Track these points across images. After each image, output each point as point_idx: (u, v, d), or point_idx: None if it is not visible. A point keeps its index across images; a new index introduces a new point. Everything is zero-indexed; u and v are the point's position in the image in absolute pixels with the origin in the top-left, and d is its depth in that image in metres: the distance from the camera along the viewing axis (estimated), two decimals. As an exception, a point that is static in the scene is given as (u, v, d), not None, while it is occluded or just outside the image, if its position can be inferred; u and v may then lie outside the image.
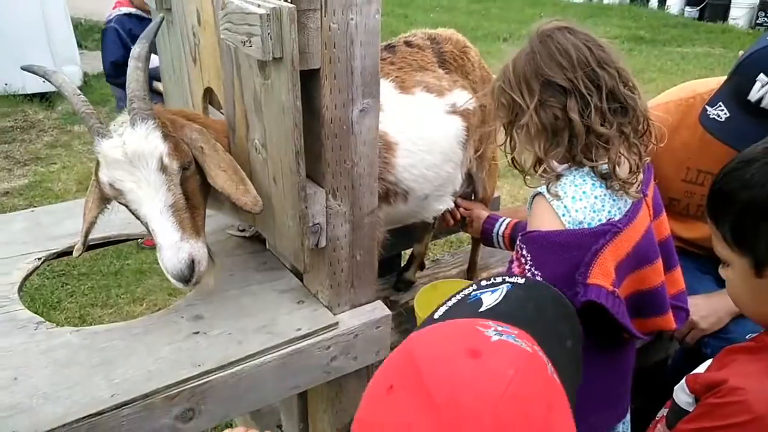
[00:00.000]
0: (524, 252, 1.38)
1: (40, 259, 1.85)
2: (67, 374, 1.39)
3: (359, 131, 1.50)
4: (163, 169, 1.44)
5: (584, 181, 1.42)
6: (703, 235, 2.00)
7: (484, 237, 2.18)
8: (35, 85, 6.42)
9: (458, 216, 2.26)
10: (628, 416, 1.63)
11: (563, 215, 1.40)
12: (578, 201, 1.40)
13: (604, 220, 1.41)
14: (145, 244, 3.96)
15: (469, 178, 2.28)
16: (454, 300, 0.94)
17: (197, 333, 1.54)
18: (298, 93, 1.34)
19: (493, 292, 0.91)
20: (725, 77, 1.77)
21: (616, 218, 1.41)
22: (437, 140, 2.01)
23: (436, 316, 0.91)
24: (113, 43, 3.83)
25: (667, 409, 1.37)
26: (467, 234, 2.41)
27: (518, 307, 0.89)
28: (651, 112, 1.49)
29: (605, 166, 1.41)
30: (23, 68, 1.59)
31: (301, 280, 1.76)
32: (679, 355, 2.22)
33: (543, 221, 1.43)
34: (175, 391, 1.37)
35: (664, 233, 1.62)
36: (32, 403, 1.31)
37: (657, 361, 2.26)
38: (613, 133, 1.39)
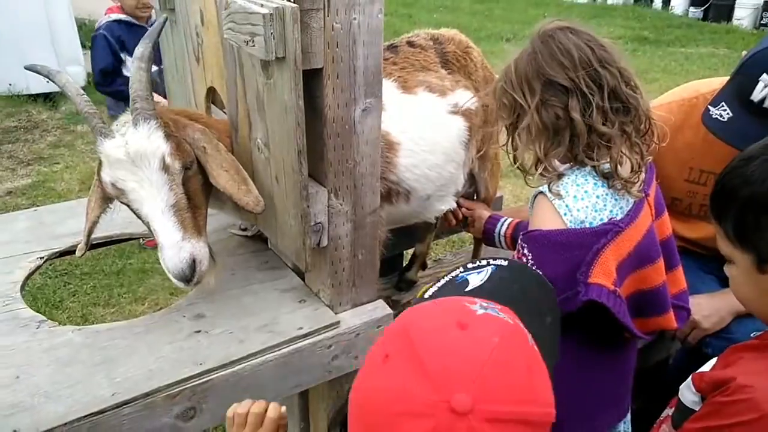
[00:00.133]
0: (525, 251, 1.38)
1: (43, 258, 1.86)
2: (68, 373, 1.40)
3: (361, 131, 1.50)
4: (165, 168, 1.45)
5: (586, 180, 1.42)
6: (706, 234, 2.00)
7: (486, 237, 2.18)
8: (39, 85, 6.42)
9: (460, 216, 2.26)
10: (629, 416, 1.63)
11: (565, 214, 1.39)
12: (580, 200, 1.40)
13: (605, 220, 1.40)
14: (147, 245, 3.96)
15: (472, 178, 2.28)
16: (442, 281, 1.02)
17: (199, 332, 1.54)
18: (300, 92, 1.34)
19: (478, 273, 1.00)
20: (728, 77, 1.76)
21: (618, 217, 1.41)
22: (439, 140, 2.01)
23: (426, 295, 0.99)
24: (102, 50, 3.77)
25: (672, 409, 1.37)
26: (469, 234, 2.41)
27: (502, 286, 0.97)
28: (653, 111, 1.49)
29: (607, 166, 1.41)
30: (27, 68, 1.59)
31: (303, 279, 1.76)
32: (681, 355, 2.21)
33: (544, 220, 1.43)
34: (177, 389, 1.37)
35: (665, 233, 1.62)
36: (34, 401, 1.31)
37: (658, 361, 2.25)
38: (614, 132, 1.39)
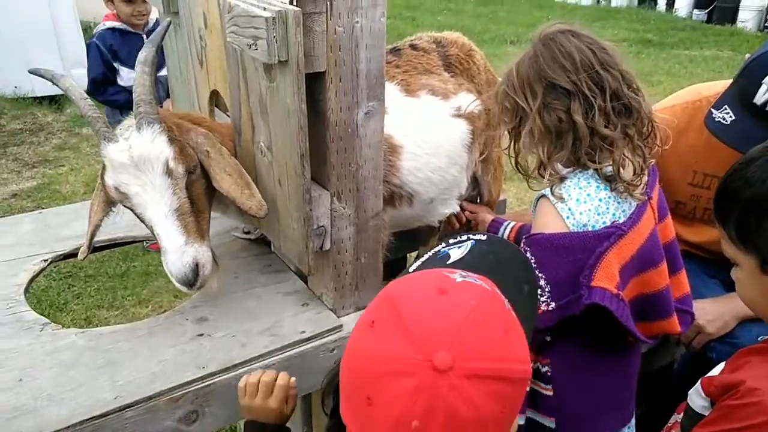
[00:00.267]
0: (528, 254, 1.38)
1: (47, 260, 1.86)
2: (71, 376, 1.40)
3: (364, 134, 1.50)
4: (169, 173, 1.45)
5: (588, 183, 1.42)
6: (710, 238, 1.99)
7: (489, 240, 2.17)
8: (44, 87, 6.43)
9: (463, 219, 2.26)
10: (633, 421, 1.62)
11: (567, 218, 1.39)
12: (582, 203, 1.40)
13: (608, 223, 1.40)
14: (151, 247, 3.96)
15: (475, 181, 2.28)
16: (425, 257, 1.08)
17: (201, 335, 1.54)
18: (303, 96, 1.34)
19: (459, 247, 1.06)
20: (732, 80, 1.76)
21: (621, 221, 1.41)
22: (442, 143, 2.01)
23: (410, 270, 1.04)
24: (94, 59, 3.73)
25: (680, 415, 1.36)
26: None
27: (480, 258, 1.03)
28: (656, 114, 1.48)
29: (609, 169, 1.40)
30: (31, 72, 1.59)
31: (306, 283, 1.76)
32: (685, 359, 2.20)
33: (547, 224, 1.42)
34: (179, 393, 1.37)
35: (669, 236, 1.61)
36: (37, 404, 1.32)
37: (663, 366, 2.24)
38: (617, 135, 1.39)
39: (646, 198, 1.47)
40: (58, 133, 6.16)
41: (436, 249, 1.10)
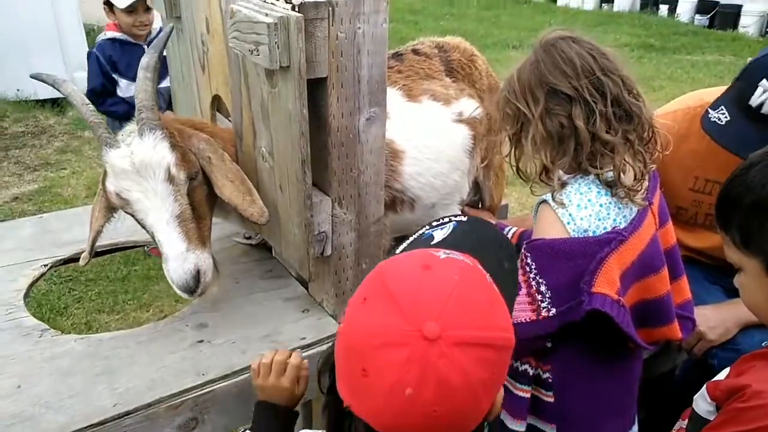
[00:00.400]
0: (529, 260, 1.38)
1: (47, 265, 1.86)
2: (70, 383, 1.39)
3: (366, 140, 1.50)
4: (170, 179, 1.45)
5: (589, 188, 1.41)
6: (712, 244, 1.98)
7: (491, 245, 2.16)
8: (47, 90, 6.40)
9: (465, 224, 2.25)
10: (636, 427, 1.62)
11: (568, 223, 1.39)
12: (583, 209, 1.40)
13: (609, 228, 1.40)
14: (151, 252, 3.95)
15: (476, 186, 2.28)
16: (411, 239, 1.16)
17: (201, 341, 1.54)
18: (304, 101, 1.34)
19: (442, 228, 1.12)
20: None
21: (622, 226, 1.40)
22: (444, 148, 2.01)
23: (397, 251, 1.11)
24: (93, 70, 3.69)
25: (685, 421, 1.36)
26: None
27: (462, 238, 1.09)
28: (657, 120, 1.48)
29: (610, 174, 1.40)
30: (33, 77, 1.59)
31: (307, 289, 1.76)
32: (687, 366, 2.20)
33: (548, 229, 1.42)
34: (179, 400, 1.37)
35: (670, 242, 1.61)
36: (35, 411, 1.31)
37: (664, 372, 2.23)
38: (618, 140, 1.39)
39: (647, 203, 1.46)
40: (60, 136, 6.16)
41: (420, 231, 1.17)
